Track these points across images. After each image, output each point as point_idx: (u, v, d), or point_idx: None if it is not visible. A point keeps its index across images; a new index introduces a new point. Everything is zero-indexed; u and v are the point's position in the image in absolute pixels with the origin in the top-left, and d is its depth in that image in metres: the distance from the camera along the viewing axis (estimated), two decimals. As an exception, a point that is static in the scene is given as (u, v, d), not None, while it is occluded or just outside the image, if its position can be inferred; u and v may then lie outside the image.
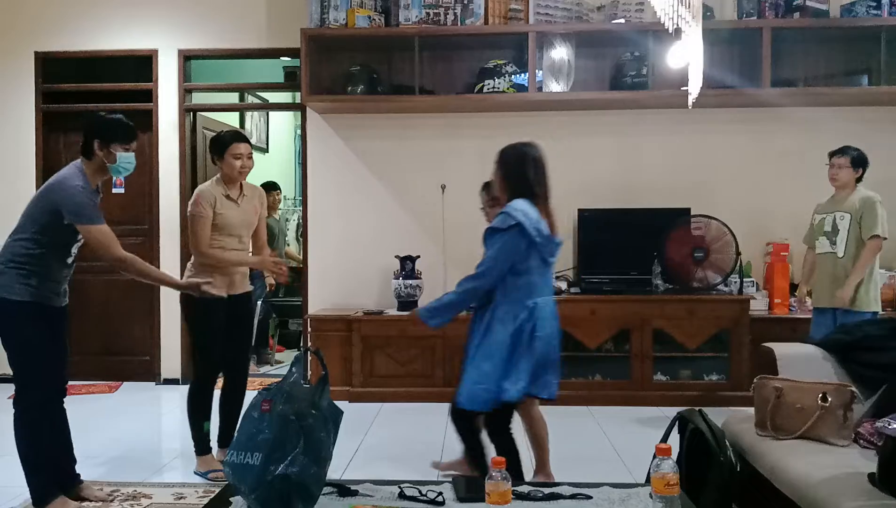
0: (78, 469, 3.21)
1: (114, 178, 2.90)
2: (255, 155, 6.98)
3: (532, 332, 2.60)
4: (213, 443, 3.41)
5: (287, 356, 6.44)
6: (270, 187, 6.04)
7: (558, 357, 2.77)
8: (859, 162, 3.88)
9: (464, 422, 2.76)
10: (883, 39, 4.65)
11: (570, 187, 5.09)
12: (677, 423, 2.55)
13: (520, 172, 2.65)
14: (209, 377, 3.36)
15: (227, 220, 3.29)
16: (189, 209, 3.29)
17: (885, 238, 3.78)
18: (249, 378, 5.37)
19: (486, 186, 3.34)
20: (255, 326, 5.90)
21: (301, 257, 6.05)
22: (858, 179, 3.89)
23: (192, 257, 3.35)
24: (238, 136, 3.38)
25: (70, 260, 2.89)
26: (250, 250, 3.54)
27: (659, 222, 4.72)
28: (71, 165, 2.86)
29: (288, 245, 6.61)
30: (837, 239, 3.85)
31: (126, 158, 2.85)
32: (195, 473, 3.34)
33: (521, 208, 2.55)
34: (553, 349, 2.71)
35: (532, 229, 2.55)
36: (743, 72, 4.85)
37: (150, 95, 5.33)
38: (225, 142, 3.30)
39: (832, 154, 3.94)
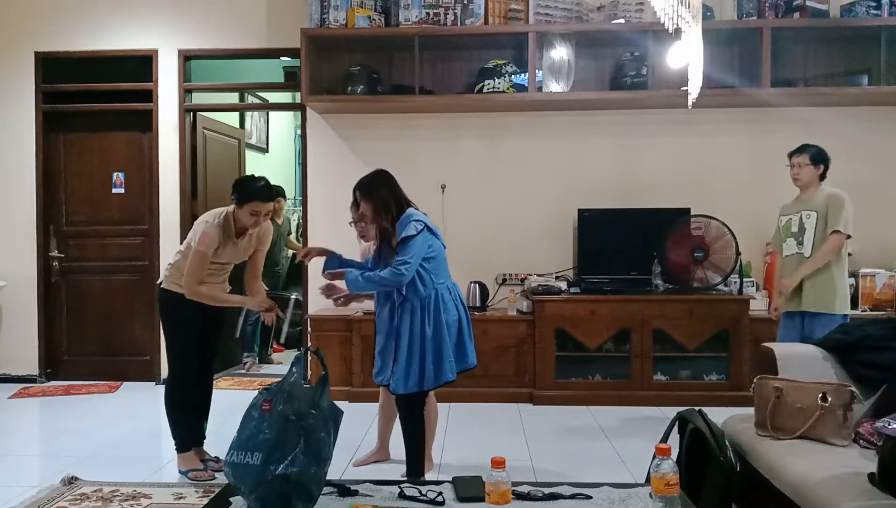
0: (78, 468, 3.22)
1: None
2: (256, 155, 7.05)
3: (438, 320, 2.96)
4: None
5: (287, 356, 6.44)
6: (275, 194, 6.01)
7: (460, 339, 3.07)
8: (819, 158, 3.73)
9: (414, 407, 3.02)
10: (883, 39, 4.65)
11: (570, 187, 5.11)
12: (677, 423, 2.56)
13: (389, 194, 3.00)
14: (189, 376, 3.37)
15: (221, 257, 3.29)
16: (195, 243, 3.19)
17: (849, 236, 3.60)
18: (249, 378, 5.48)
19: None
20: (259, 326, 5.85)
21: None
22: (822, 177, 3.75)
23: (173, 259, 3.34)
24: (262, 193, 3.21)
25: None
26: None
27: (659, 222, 4.72)
28: None
29: (290, 235, 6.66)
30: (804, 239, 3.70)
31: None
32: (179, 472, 3.36)
33: (417, 214, 2.96)
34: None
35: (433, 226, 2.98)
36: (743, 72, 4.86)
37: (150, 95, 5.33)
38: (248, 196, 3.19)
39: (791, 154, 3.83)
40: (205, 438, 3.51)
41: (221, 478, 3.31)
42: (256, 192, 3.21)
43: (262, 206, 3.21)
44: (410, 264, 2.83)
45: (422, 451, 3.06)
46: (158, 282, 3.37)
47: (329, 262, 3.10)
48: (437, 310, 2.94)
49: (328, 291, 3.21)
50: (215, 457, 3.45)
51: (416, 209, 3.02)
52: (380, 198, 2.99)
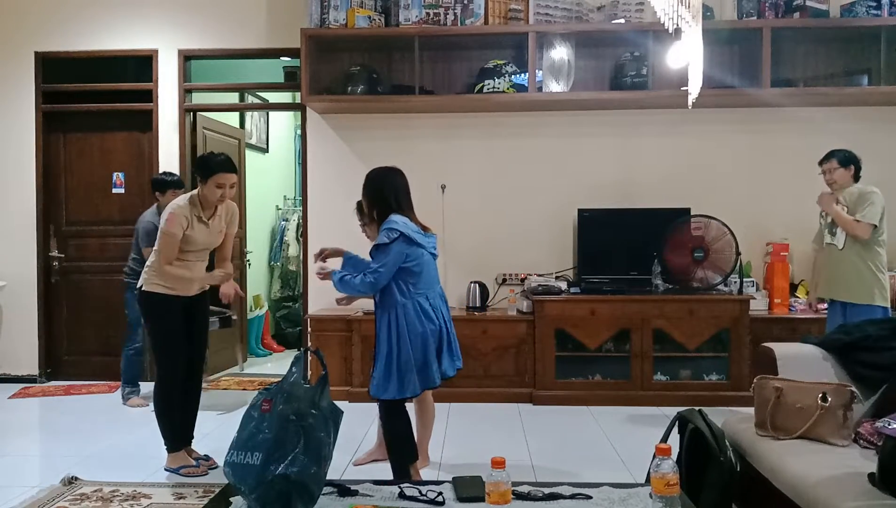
0: (79, 468, 3.22)
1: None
2: (256, 155, 7.04)
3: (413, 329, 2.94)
4: None
5: (287, 356, 6.44)
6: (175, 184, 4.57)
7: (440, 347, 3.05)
8: (846, 160, 3.86)
9: (389, 414, 3.00)
10: (883, 39, 4.65)
11: (570, 187, 5.11)
12: (677, 423, 2.55)
13: (382, 195, 3.00)
14: (176, 375, 3.38)
15: (194, 240, 3.30)
16: (161, 225, 3.25)
17: (875, 226, 3.72)
18: (249, 378, 5.46)
19: (360, 206, 3.51)
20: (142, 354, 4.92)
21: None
22: (857, 178, 3.88)
23: (149, 261, 3.36)
24: (225, 165, 3.29)
25: None
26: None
27: (659, 222, 4.72)
28: None
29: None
30: (838, 231, 3.86)
31: None
32: (165, 469, 3.38)
33: (399, 220, 2.91)
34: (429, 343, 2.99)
35: (413, 234, 2.91)
36: (743, 72, 4.86)
37: (150, 95, 5.33)
38: (211, 169, 3.25)
39: (819, 162, 3.95)
40: (192, 437, 3.54)
41: (214, 475, 3.33)
42: (219, 164, 3.27)
43: (227, 177, 3.26)
44: (381, 273, 2.84)
45: (403, 458, 3.00)
46: (139, 286, 3.37)
47: (344, 260, 3.12)
48: (410, 322, 2.89)
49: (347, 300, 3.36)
50: (205, 455, 3.48)
51: (404, 215, 2.96)
52: (368, 196, 3.04)
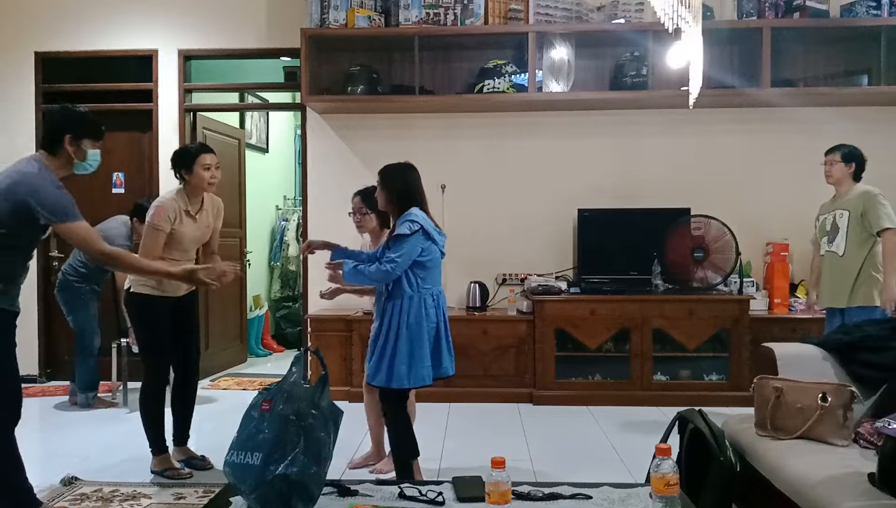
0: (78, 469, 3.21)
1: (78, 172, 2.89)
2: (256, 155, 7.04)
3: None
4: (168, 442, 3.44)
5: (287, 356, 6.44)
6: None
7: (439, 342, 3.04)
8: (850, 157, 3.83)
9: (390, 405, 2.98)
10: (883, 39, 4.66)
11: (570, 187, 5.11)
12: (677, 423, 2.55)
13: (406, 190, 3.01)
14: (163, 378, 3.37)
15: (181, 236, 3.27)
16: (148, 219, 3.21)
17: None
18: (249, 379, 5.45)
19: (361, 194, 3.57)
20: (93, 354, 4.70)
21: None
22: (857, 177, 3.85)
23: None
24: (204, 147, 3.36)
25: (30, 262, 2.80)
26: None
27: (659, 222, 4.72)
28: (28, 159, 2.70)
29: None
30: (837, 237, 3.81)
31: (94, 156, 2.79)
32: (151, 472, 3.35)
33: (419, 214, 2.93)
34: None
35: (431, 230, 2.93)
36: (743, 72, 4.86)
37: (150, 95, 5.33)
38: (193, 154, 3.29)
39: (826, 152, 3.94)
40: (189, 437, 3.53)
41: (214, 475, 3.32)
42: (197, 148, 3.34)
43: (210, 156, 3.30)
44: (398, 263, 2.83)
45: (404, 453, 2.98)
46: (127, 287, 3.35)
47: (335, 254, 3.10)
48: (417, 314, 2.90)
49: (330, 294, 3.38)
50: (202, 456, 3.47)
51: (422, 210, 2.97)
52: (392, 189, 3.00)
